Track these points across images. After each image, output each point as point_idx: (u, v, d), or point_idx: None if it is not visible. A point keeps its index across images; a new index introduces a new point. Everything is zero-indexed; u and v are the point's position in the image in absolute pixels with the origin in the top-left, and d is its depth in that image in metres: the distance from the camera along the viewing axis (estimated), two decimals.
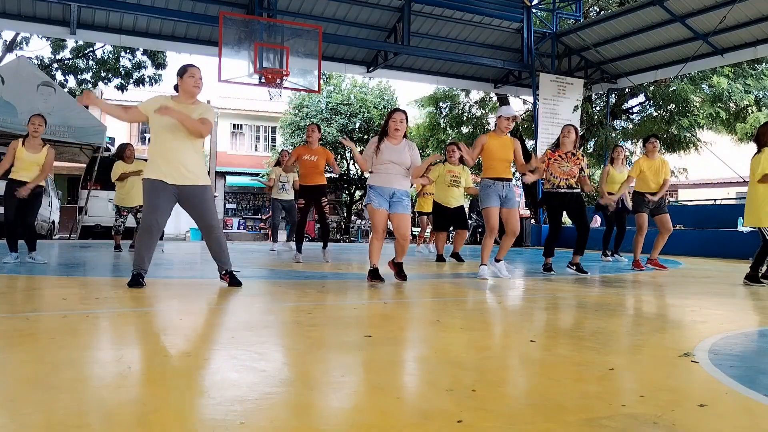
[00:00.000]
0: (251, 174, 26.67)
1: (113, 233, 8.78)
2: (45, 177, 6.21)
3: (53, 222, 15.16)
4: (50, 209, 14.63)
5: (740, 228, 10.21)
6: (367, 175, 5.02)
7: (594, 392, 1.79)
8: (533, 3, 14.67)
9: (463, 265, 7.30)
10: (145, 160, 8.81)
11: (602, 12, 16.43)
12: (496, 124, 5.69)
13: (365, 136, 22.93)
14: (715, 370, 2.09)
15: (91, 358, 2.14)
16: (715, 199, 20.87)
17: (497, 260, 5.67)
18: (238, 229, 27.15)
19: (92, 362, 2.08)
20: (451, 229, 8.83)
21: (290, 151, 9.78)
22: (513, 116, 5.66)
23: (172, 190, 4.10)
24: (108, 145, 14.70)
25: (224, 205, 27.70)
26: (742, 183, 15.22)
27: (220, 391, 1.72)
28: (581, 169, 6.23)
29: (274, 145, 27.61)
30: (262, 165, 26.03)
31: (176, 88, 4.26)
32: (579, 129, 6.43)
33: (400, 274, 5.05)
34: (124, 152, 8.53)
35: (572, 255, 6.31)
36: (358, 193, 25.83)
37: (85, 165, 14.19)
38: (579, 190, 6.30)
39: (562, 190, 6.22)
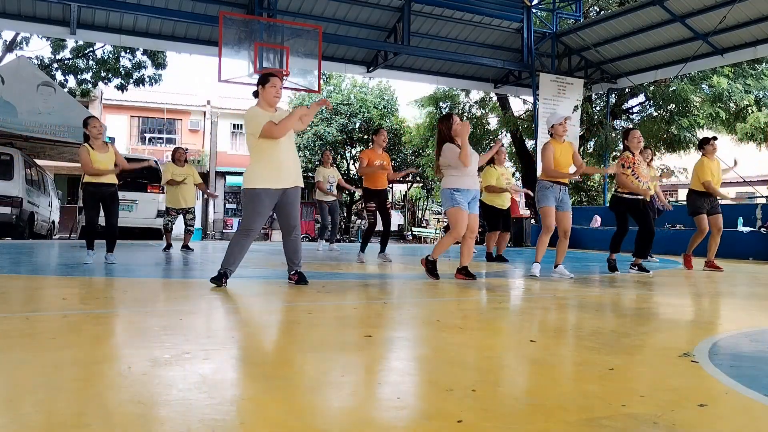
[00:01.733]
0: None
1: (164, 231, 9.05)
2: (125, 170, 6.37)
3: (53, 222, 15.16)
4: (50, 209, 14.64)
5: (740, 228, 10.21)
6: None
7: (594, 392, 1.79)
8: (533, 3, 14.66)
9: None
10: (149, 160, 8.90)
11: (602, 12, 16.43)
12: (551, 133, 5.88)
13: (365, 136, 22.93)
14: (715, 370, 2.09)
15: (91, 358, 2.14)
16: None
17: (556, 265, 5.87)
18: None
19: (92, 362, 2.08)
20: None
21: (327, 152, 10.04)
22: (566, 118, 5.93)
23: (278, 194, 4.29)
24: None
25: (224, 205, 27.72)
26: (742, 183, 15.23)
27: (220, 391, 1.72)
28: (648, 165, 6.48)
29: None
30: None
31: (255, 94, 4.39)
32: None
33: (470, 275, 5.28)
34: (175, 155, 8.86)
35: (634, 256, 6.49)
36: (358, 194, 25.83)
37: None
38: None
39: (633, 197, 6.27)
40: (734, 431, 1.52)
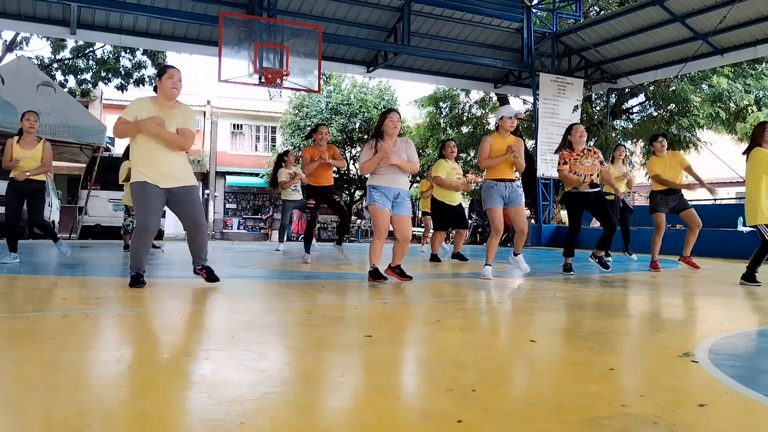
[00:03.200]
0: (251, 174, 26.68)
1: (122, 233, 8.91)
2: (45, 171, 6.13)
3: (53, 222, 15.16)
4: (50, 209, 14.62)
5: (740, 228, 10.21)
6: (367, 175, 5.04)
7: (594, 392, 1.79)
8: (533, 3, 14.66)
9: (465, 265, 7.29)
10: None
11: (602, 12, 16.43)
12: (498, 125, 5.70)
13: (365, 136, 22.93)
14: (715, 370, 2.09)
15: (91, 358, 2.14)
16: (714, 199, 20.85)
17: (515, 254, 5.82)
18: (238, 229, 27.15)
19: (92, 362, 2.08)
20: (449, 229, 8.79)
21: (291, 152, 9.84)
22: (516, 114, 5.69)
23: (162, 192, 4.12)
24: (108, 145, 14.70)
25: (224, 205, 27.70)
26: (742, 183, 15.23)
27: (220, 391, 1.72)
28: (601, 162, 6.28)
29: (274, 145, 27.61)
30: (262, 165, 26.03)
31: (155, 89, 4.22)
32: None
33: (403, 275, 5.04)
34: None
35: (596, 248, 6.44)
36: (358, 193, 25.83)
37: (85, 165, 14.20)
38: (600, 189, 6.34)
39: (584, 191, 6.23)
40: (734, 431, 1.52)
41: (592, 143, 17.44)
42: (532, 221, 15.20)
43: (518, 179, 5.83)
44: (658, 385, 1.89)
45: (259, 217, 27.48)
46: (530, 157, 16.95)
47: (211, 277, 4.36)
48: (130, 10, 11.74)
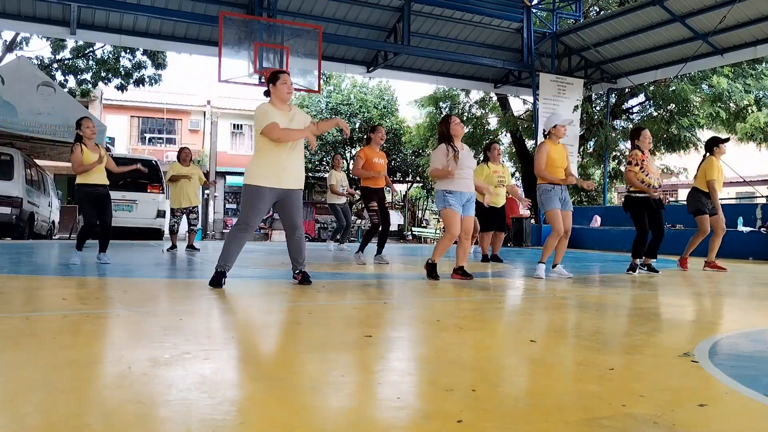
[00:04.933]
0: None
1: (169, 233, 9.17)
2: (116, 171, 6.48)
3: (53, 222, 15.16)
4: (50, 209, 14.63)
5: (740, 228, 10.21)
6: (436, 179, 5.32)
7: (594, 392, 1.79)
8: (533, 3, 14.66)
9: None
10: (149, 161, 8.95)
11: (602, 12, 16.43)
12: (550, 132, 5.86)
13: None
14: (715, 370, 2.09)
15: (91, 358, 2.14)
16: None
17: (554, 265, 5.83)
18: None
19: (92, 362, 2.08)
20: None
21: (341, 156, 10.36)
22: (570, 121, 6.00)
23: (277, 194, 4.29)
24: (108, 145, 14.70)
25: (224, 205, 27.71)
26: (742, 183, 15.23)
27: (220, 391, 1.72)
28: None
29: None
30: None
31: (267, 93, 4.39)
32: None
33: (466, 275, 5.28)
34: (181, 154, 8.97)
35: (644, 257, 6.45)
36: (357, 193, 25.82)
37: None
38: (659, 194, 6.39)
39: (645, 195, 6.26)
40: (734, 431, 1.52)
41: (592, 143, 17.49)
42: (533, 221, 15.19)
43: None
44: (658, 385, 1.89)
45: None
46: (530, 158, 16.96)
47: (304, 280, 4.54)
48: (130, 10, 11.73)
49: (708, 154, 7.05)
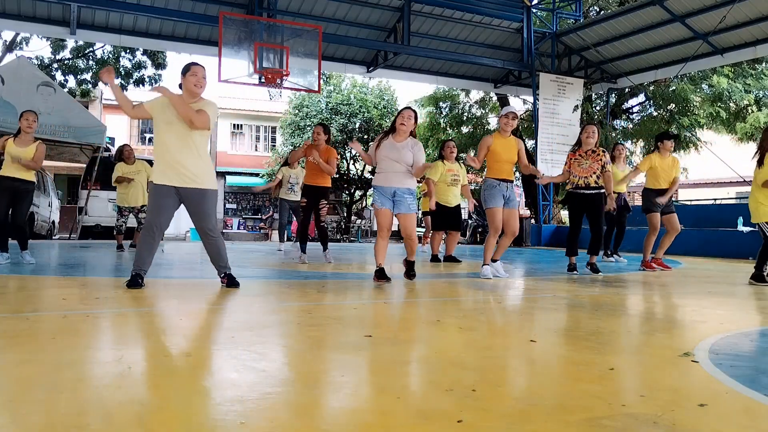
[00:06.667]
0: (251, 174, 26.66)
1: (115, 233, 8.88)
2: (33, 167, 5.96)
3: (53, 222, 15.16)
4: (50, 209, 14.63)
5: (740, 228, 10.21)
6: (367, 174, 5.12)
7: (594, 392, 1.78)
8: (533, 3, 14.66)
9: (462, 265, 7.28)
10: (147, 161, 8.89)
11: (602, 12, 16.43)
12: (499, 125, 5.71)
13: (365, 136, 22.92)
14: (715, 370, 2.08)
15: (91, 358, 2.14)
16: (715, 199, 20.86)
17: (494, 260, 5.67)
18: (238, 229, 27.15)
19: (92, 362, 2.08)
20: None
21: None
22: (513, 113, 5.68)
23: (174, 192, 4.07)
24: (108, 145, 14.69)
25: (224, 205, 27.70)
26: (742, 183, 15.22)
27: (220, 391, 1.72)
28: (603, 166, 6.22)
29: (274, 145, 27.60)
30: (262, 165, 26.03)
31: (180, 86, 4.22)
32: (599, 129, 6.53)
33: (409, 273, 5.05)
34: (123, 153, 8.65)
35: (589, 255, 6.38)
36: (358, 193, 25.82)
37: (85, 165, 14.20)
38: (600, 191, 6.25)
39: (581, 191, 6.24)
40: (734, 431, 1.52)
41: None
42: (533, 221, 15.19)
43: (518, 180, 5.83)
44: (658, 385, 1.89)
45: (259, 217, 27.46)
46: (531, 157, 16.97)
47: (231, 283, 4.24)
48: (130, 10, 11.74)
49: (654, 149, 7.01)
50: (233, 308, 3.52)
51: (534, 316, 3.50)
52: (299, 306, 3.56)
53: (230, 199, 28.06)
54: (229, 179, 27.22)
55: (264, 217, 26.94)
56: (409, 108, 5.02)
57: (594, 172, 6.19)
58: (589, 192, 6.22)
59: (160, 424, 1.45)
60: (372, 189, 4.99)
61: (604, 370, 2.06)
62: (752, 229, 10.18)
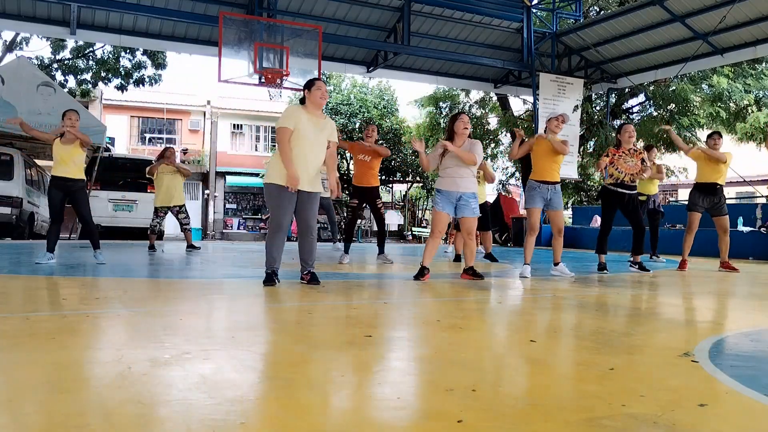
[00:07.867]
0: (251, 174, 26.66)
1: (148, 233, 9.05)
2: (85, 142, 6.27)
3: None
4: None
5: (740, 228, 10.21)
6: (428, 172, 5.31)
7: (594, 392, 1.79)
8: (533, 3, 14.66)
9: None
10: (148, 161, 8.90)
11: (602, 12, 16.43)
12: (546, 127, 5.88)
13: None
14: (715, 370, 2.09)
15: (91, 358, 2.14)
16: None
17: (556, 264, 5.85)
18: (239, 229, 27.15)
19: (92, 362, 2.08)
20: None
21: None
22: (561, 116, 5.89)
23: (294, 193, 4.35)
24: (108, 145, 14.70)
25: (224, 205, 27.69)
26: (742, 183, 15.22)
27: (220, 391, 1.72)
28: (643, 161, 6.36)
29: (274, 145, 27.49)
30: (262, 165, 26.01)
31: (302, 101, 4.51)
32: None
33: (476, 275, 5.21)
34: (166, 153, 8.93)
35: (631, 254, 6.56)
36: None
37: (84, 165, 14.18)
38: (637, 192, 6.43)
39: (620, 190, 6.33)
40: (734, 431, 1.52)
41: (592, 143, 17.49)
42: None
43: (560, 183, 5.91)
44: (658, 385, 1.89)
45: (260, 217, 27.46)
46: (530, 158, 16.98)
47: (313, 280, 4.52)
48: (130, 10, 11.73)
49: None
50: (233, 308, 3.52)
51: (534, 316, 3.50)
52: (299, 306, 3.56)
53: (230, 199, 28.06)
54: (229, 179, 27.22)
55: (264, 217, 26.95)
56: (465, 113, 5.30)
57: (637, 171, 6.35)
58: (629, 192, 6.33)
59: (160, 424, 1.45)
60: (435, 192, 5.19)
61: (604, 370, 2.06)
62: (752, 229, 10.19)
